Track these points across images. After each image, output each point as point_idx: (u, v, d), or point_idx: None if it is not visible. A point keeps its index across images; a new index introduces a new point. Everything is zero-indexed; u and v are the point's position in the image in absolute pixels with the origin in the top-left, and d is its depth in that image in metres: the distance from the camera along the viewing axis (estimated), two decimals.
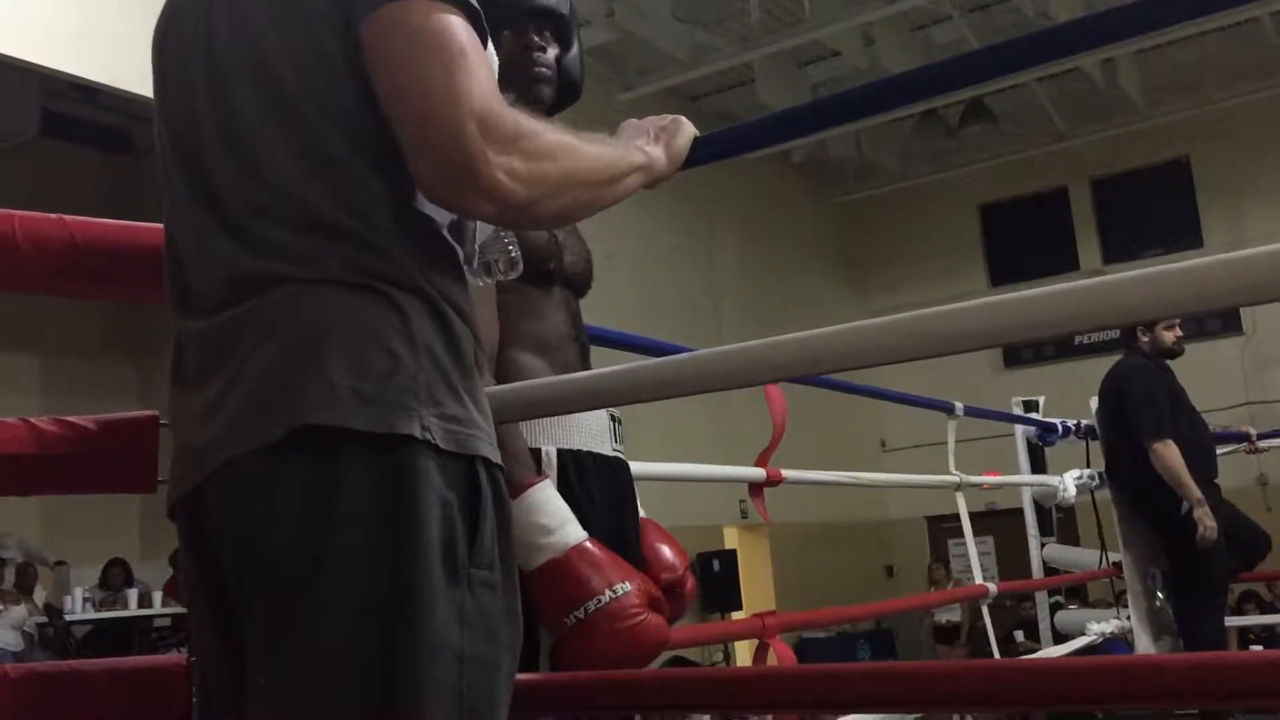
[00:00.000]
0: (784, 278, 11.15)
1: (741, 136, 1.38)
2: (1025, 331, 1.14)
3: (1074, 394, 5.15)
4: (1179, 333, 4.32)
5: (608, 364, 1.41)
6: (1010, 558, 9.31)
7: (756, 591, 9.68)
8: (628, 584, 1.38)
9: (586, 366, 1.66)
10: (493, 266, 1.23)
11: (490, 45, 1.08)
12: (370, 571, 0.96)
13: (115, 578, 7.78)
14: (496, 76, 1.07)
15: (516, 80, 1.61)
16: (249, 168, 1.06)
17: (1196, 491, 3.85)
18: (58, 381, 8.30)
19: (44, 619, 7.30)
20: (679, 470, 2.53)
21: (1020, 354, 11.58)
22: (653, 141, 1.25)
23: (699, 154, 1.28)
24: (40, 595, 7.50)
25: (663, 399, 1.32)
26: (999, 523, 9.26)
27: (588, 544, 1.41)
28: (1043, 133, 11.35)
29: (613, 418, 1.67)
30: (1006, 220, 12.24)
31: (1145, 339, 4.27)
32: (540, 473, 1.48)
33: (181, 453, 1.08)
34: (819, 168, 11.68)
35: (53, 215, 1.22)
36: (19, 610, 7.03)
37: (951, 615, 10.44)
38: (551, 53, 1.66)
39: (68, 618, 7.33)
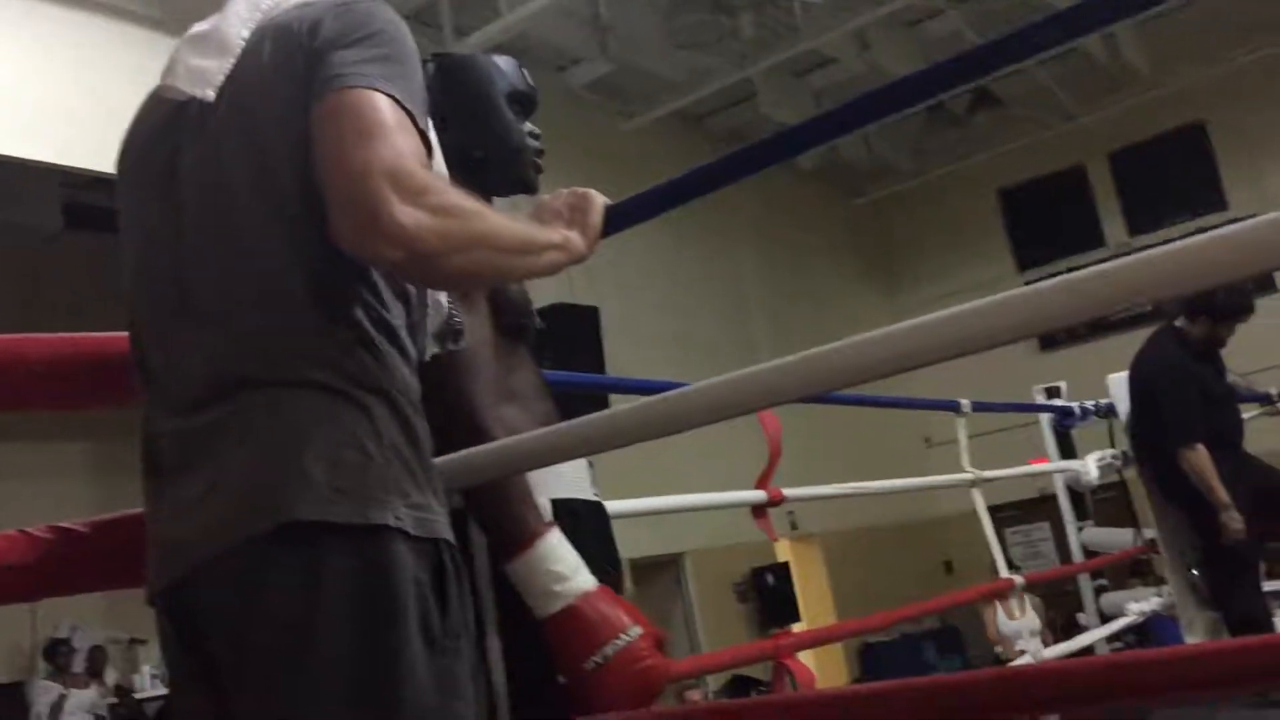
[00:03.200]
0: (810, 285, 11.17)
1: (652, 200, 1.37)
2: (1020, 330, 1.07)
3: (1110, 371, 5.07)
4: None
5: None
6: (1066, 541, 9.23)
7: (814, 601, 9.66)
8: (638, 627, 1.43)
9: (564, 415, 1.71)
10: (438, 339, 1.29)
11: (432, 133, 1.17)
12: (359, 648, 1.05)
13: None
14: (436, 158, 1.15)
15: (526, 166, 1.70)
16: (224, 270, 1.15)
17: (1224, 496, 3.83)
18: (106, 468, 8.45)
19: (115, 699, 7.43)
20: (679, 502, 2.55)
21: (1054, 336, 11.51)
22: (568, 225, 1.30)
23: (615, 223, 1.32)
24: (111, 676, 7.64)
25: (652, 439, 1.36)
26: (1053, 508, 9.15)
27: (599, 589, 1.45)
28: (1053, 113, 11.29)
29: (589, 463, 1.72)
30: (1027, 203, 12.19)
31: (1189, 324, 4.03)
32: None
33: (161, 545, 1.15)
34: (832, 172, 11.69)
35: (56, 336, 1.30)
36: (89, 694, 7.16)
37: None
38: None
39: (137, 696, 7.45)
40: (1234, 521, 3.81)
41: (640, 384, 2.55)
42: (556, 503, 1.59)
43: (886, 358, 1.15)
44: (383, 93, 1.11)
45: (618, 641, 1.40)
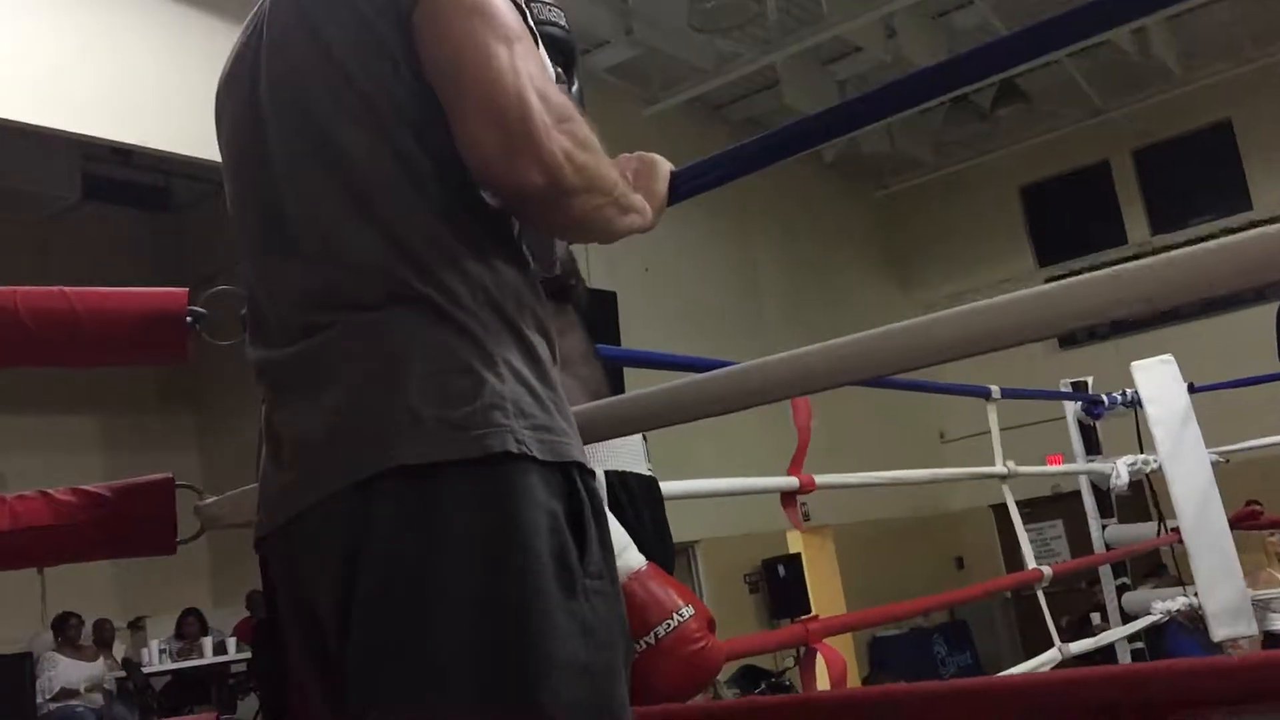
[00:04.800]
0: (826, 277, 11.09)
1: (716, 167, 1.28)
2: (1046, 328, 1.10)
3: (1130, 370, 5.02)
4: None
5: (644, 384, 1.39)
6: (1080, 540, 9.20)
7: (825, 594, 9.59)
8: (691, 607, 1.38)
9: (611, 382, 1.67)
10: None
11: (542, 48, 1.09)
12: (486, 594, 0.94)
13: (190, 627, 7.91)
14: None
15: None
16: (313, 188, 1.06)
17: None
18: (119, 440, 8.46)
19: (123, 673, 7.43)
20: (708, 486, 2.50)
21: (1073, 334, 11.42)
22: (635, 191, 1.18)
23: (678, 192, 1.22)
24: (119, 650, 7.64)
25: (705, 418, 1.31)
26: (1067, 506, 9.12)
27: (649, 568, 1.40)
28: (1079, 108, 11.17)
29: (644, 437, 1.68)
30: (1049, 200, 12.08)
31: None
32: None
33: (267, 489, 1.08)
34: (853, 164, 11.60)
35: (54, 289, 1.25)
36: (97, 666, 7.16)
37: None
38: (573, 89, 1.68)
39: (145, 670, 7.45)
40: None
41: (664, 358, 2.51)
42: (611, 476, 1.55)
43: (921, 348, 1.13)
44: None
45: (670, 622, 1.36)
